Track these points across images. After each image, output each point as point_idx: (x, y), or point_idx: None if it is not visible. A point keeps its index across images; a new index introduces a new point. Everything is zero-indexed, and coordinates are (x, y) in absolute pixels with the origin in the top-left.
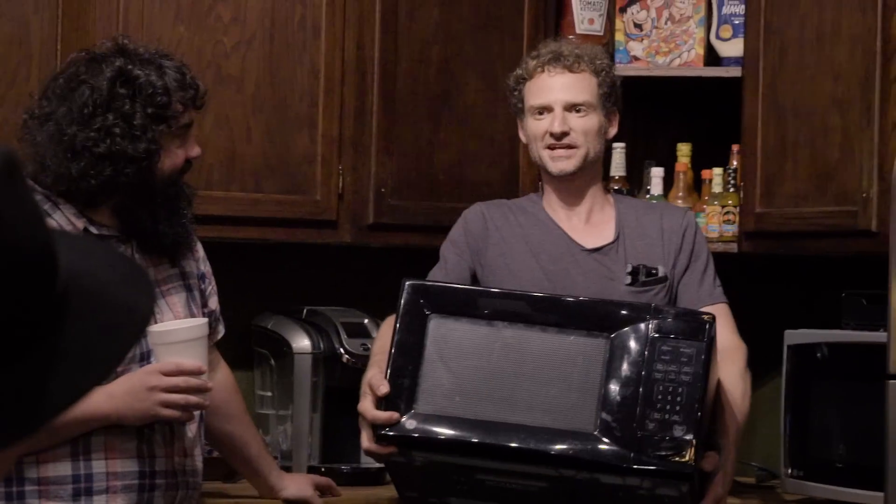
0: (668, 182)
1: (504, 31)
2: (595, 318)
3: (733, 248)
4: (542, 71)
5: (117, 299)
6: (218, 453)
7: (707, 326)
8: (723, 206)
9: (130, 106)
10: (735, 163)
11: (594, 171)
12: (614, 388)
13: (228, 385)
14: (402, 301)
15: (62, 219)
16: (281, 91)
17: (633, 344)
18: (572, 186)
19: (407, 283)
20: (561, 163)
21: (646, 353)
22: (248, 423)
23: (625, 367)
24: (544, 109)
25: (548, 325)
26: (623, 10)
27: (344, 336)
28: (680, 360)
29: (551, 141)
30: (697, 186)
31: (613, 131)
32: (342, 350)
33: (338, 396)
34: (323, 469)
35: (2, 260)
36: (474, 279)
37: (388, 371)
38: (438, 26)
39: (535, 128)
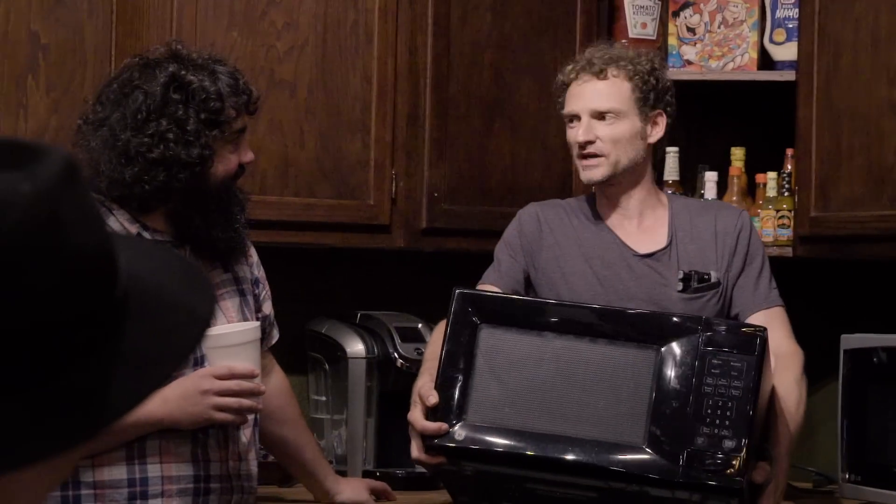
0: (722, 186)
1: (557, 35)
2: (646, 329)
3: (788, 252)
4: (576, 78)
5: (177, 302)
6: (273, 458)
7: (758, 340)
8: (777, 211)
9: (184, 111)
10: (789, 167)
11: (634, 176)
12: (664, 401)
13: (283, 390)
14: (452, 310)
15: (116, 224)
16: (334, 96)
17: (683, 356)
18: (613, 192)
19: (457, 291)
20: (588, 172)
21: (696, 366)
22: (303, 428)
23: (675, 379)
24: (573, 118)
25: (598, 336)
26: (676, 14)
27: (398, 340)
28: (730, 374)
29: (578, 150)
30: (752, 191)
31: (658, 134)
32: (396, 354)
33: (392, 401)
34: (378, 473)
35: (63, 264)
36: (528, 281)
37: (438, 381)
38: (491, 31)
39: (568, 136)
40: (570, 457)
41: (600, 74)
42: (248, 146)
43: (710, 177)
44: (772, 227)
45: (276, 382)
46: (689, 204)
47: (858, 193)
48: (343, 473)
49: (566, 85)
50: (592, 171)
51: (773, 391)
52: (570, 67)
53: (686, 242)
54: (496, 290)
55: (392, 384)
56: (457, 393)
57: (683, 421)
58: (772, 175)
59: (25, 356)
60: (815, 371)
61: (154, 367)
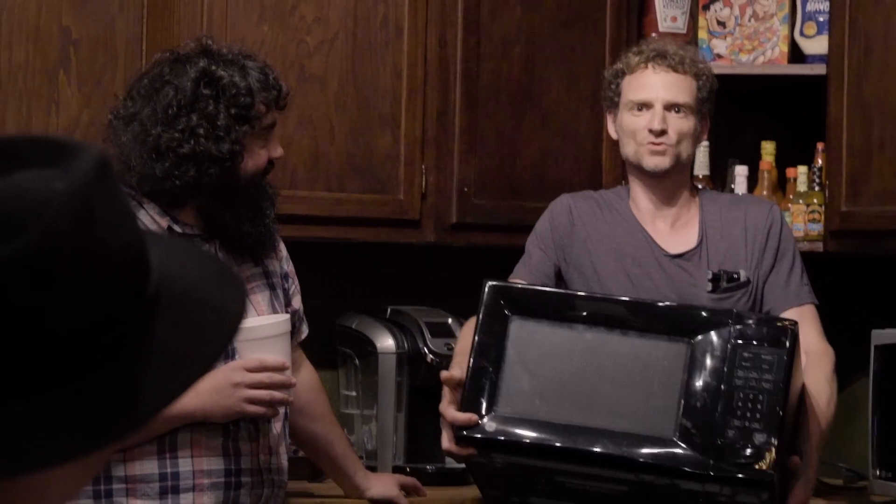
0: (753, 181)
1: (586, 29)
2: (677, 322)
3: (818, 247)
4: (646, 67)
5: (209, 300)
6: (303, 453)
7: (789, 333)
8: (808, 205)
9: (214, 107)
10: (820, 161)
11: (684, 174)
12: (695, 394)
13: (313, 385)
14: (483, 302)
15: (146, 218)
16: (364, 90)
17: (714, 350)
18: (663, 185)
19: (488, 284)
20: (657, 158)
21: (727, 359)
22: (332, 423)
23: (706, 373)
24: (644, 105)
25: (629, 329)
26: (706, 7)
27: (428, 336)
28: (761, 367)
29: (650, 138)
30: (782, 185)
31: (705, 135)
32: (426, 349)
33: (422, 396)
34: (408, 469)
35: (96, 261)
36: (559, 275)
37: (469, 372)
38: (521, 25)
39: (631, 123)
40: (599, 449)
41: (676, 68)
42: (278, 141)
43: (741, 171)
44: (802, 221)
45: (306, 377)
46: (720, 199)
47: (889, 188)
48: (373, 469)
49: (625, 73)
50: (660, 159)
51: (803, 388)
52: (636, 57)
53: (716, 240)
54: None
55: (422, 379)
56: (487, 384)
57: (714, 414)
58: (802, 169)
59: (58, 354)
60: (846, 366)
61: (186, 365)
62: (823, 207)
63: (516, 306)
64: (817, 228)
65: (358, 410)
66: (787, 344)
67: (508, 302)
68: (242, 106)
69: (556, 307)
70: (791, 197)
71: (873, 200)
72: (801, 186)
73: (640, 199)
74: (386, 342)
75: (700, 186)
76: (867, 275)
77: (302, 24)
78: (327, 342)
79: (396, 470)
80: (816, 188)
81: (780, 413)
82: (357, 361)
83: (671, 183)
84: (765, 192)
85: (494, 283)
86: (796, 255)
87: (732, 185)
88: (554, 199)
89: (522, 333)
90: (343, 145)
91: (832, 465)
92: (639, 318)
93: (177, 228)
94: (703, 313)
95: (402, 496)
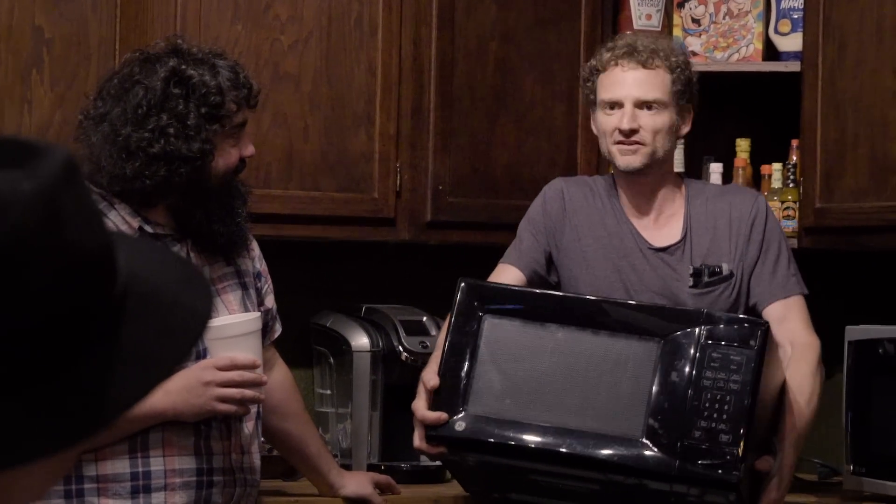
0: (728, 178)
1: (561, 27)
2: (648, 322)
3: (793, 243)
4: (616, 65)
5: (176, 301)
6: (277, 451)
7: (759, 333)
8: (782, 202)
9: (184, 106)
10: (794, 158)
11: (664, 169)
12: (663, 394)
13: (286, 383)
14: (457, 300)
15: (117, 218)
16: (338, 89)
17: (683, 350)
18: (641, 182)
19: (462, 282)
20: (627, 157)
21: (696, 359)
22: (306, 421)
23: (674, 373)
24: (615, 105)
25: (600, 328)
26: (681, 5)
27: (402, 334)
28: (729, 368)
29: (620, 137)
30: (757, 182)
31: (686, 129)
32: (401, 348)
33: (397, 394)
34: (383, 467)
35: (62, 261)
36: (549, 260)
37: (441, 370)
38: (495, 23)
39: (604, 123)
40: (568, 449)
41: (647, 63)
42: (251, 140)
43: (716, 168)
44: (777, 217)
45: (279, 376)
46: (706, 190)
47: (863, 184)
48: (348, 467)
49: (599, 71)
50: (632, 158)
51: (784, 384)
52: (607, 54)
53: (700, 234)
54: (515, 269)
55: (397, 377)
56: (459, 382)
57: (681, 414)
58: (777, 166)
59: (25, 354)
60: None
61: (154, 364)
62: (798, 204)
63: (489, 304)
64: (792, 225)
65: (333, 409)
66: (756, 344)
67: (481, 300)
68: (212, 105)
69: (528, 306)
70: (766, 194)
71: (847, 197)
72: (776, 183)
73: (623, 195)
74: (361, 340)
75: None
76: (841, 271)
77: (276, 24)
78: (302, 341)
79: (371, 468)
80: (791, 185)
81: (748, 413)
82: (332, 360)
83: (650, 179)
84: None
85: (468, 281)
86: (783, 245)
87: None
88: (528, 199)
89: (495, 332)
90: (317, 144)
91: (807, 460)
92: (611, 316)
93: (148, 228)
94: (675, 312)
95: (377, 494)
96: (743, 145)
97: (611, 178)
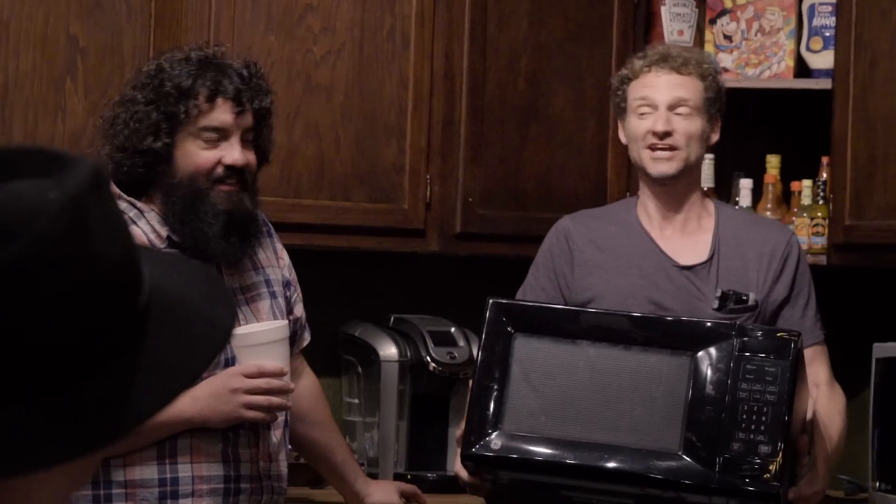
0: (757, 194)
1: (593, 42)
2: (680, 335)
3: (822, 260)
4: (649, 71)
5: (199, 313)
6: (304, 459)
7: (792, 344)
8: (812, 219)
9: (146, 102)
10: (824, 175)
11: (694, 177)
12: (699, 407)
13: (314, 392)
14: (486, 319)
15: (146, 226)
16: (370, 101)
17: (717, 363)
18: (671, 191)
19: (491, 301)
20: (662, 165)
21: (730, 371)
22: (333, 430)
23: (709, 386)
24: (648, 107)
25: (632, 344)
26: (713, 21)
27: (430, 344)
28: (765, 379)
29: (653, 140)
30: (786, 198)
31: (716, 138)
32: (429, 358)
33: (424, 404)
34: (409, 476)
35: (89, 272)
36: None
37: (473, 391)
38: (527, 37)
39: (636, 127)
40: (606, 464)
41: (680, 70)
42: (245, 147)
43: (745, 184)
44: (806, 234)
45: (307, 384)
46: (737, 216)
47: (893, 202)
48: (374, 476)
49: (630, 79)
50: (666, 164)
51: (815, 414)
52: (639, 62)
53: (728, 258)
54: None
55: (424, 388)
56: (492, 403)
57: (719, 427)
58: (807, 183)
59: (47, 362)
60: (848, 379)
61: (175, 375)
62: (827, 221)
63: (519, 323)
64: (821, 242)
65: (360, 418)
66: (791, 355)
67: (511, 319)
68: (173, 103)
69: (558, 323)
70: (795, 210)
71: (877, 214)
72: (806, 200)
73: (649, 205)
74: (389, 350)
75: (716, 201)
76: (870, 288)
77: (309, 35)
78: (331, 350)
79: (398, 477)
80: (821, 202)
81: (785, 424)
82: (360, 369)
83: (681, 188)
84: (769, 206)
85: (497, 300)
86: (812, 290)
87: (737, 199)
88: (557, 212)
89: (526, 350)
90: (348, 154)
91: (833, 476)
92: (642, 332)
93: (176, 238)
94: (707, 326)
95: (402, 503)
96: (773, 161)
97: (628, 201)
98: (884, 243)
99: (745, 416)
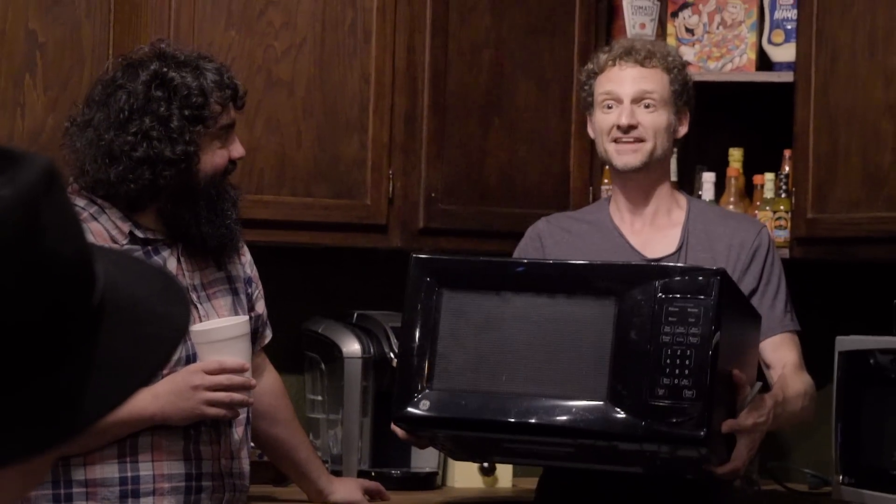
0: (720, 187)
1: (555, 35)
2: (603, 281)
3: (785, 253)
4: (614, 64)
5: (154, 311)
6: (267, 457)
7: (714, 283)
8: (774, 212)
9: (166, 108)
10: (787, 168)
11: (662, 169)
12: (623, 354)
13: (276, 389)
14: (410, 277)
15: (108, 223)
16: (331, 96)
17: (641, 307)
18: (638, 184)
19: (414, 256)
20: (626, 157)
21: (653, 315)
22: (296, 427)
23: (633, 331)
24: (613, 101)
25: (557, 292)
26: (675, 14)
27: (394, 340)
28: (687, 321)
29: (618, 134)
30: (749, 192)
31: (683, 131)
32: (392, 354)
33: (388, 400)
34: (373, 473)
35: (41, 270)
36: None
37: (401, 350)
38: (489, 31)
39: (602, 121)
40: (533, 420)
41: (644, 63)
42: (239, 141)
43: (708, 178)
44: (769, 228)
45: (269, 382)
46: (708, 211)
47: (855, 195)
48: (339, 473)
49: (596, 73)
50: (631, 157)
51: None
52: (604, 56)
53: (697, 250)
54: None
55: (388, 384)
56: (420, 360)
57: (643, 373)
58: (769, 176)
59: (0, 361)
60: (811, 373)
61: (130, 373)
62: (790, 214)
63: (444, 278)
64: (784, 235)
65: (324, 415)
66: (713, 293)
67: (435, 274)
68: (195, 106)
69: (483, 276)
70: (758, 204)
71: (839, 208)
72: (768, 193)
73: (619, 199)
74: (352, 347)
75: (688, 195)
76: (832, 282)
77: (269, 30)
78: (294, 346)
79: (362, 474)
80: (783, 195)
81: (710, 367)
82: (323, 366)
83: (648, 180)
84: (732, 199)
85: (420, 256)
86: (782, 281)
87: (700, 192)
88: (521, 207)
89: (452, 305)
90: (310, 150)
91: (797, 470)
92: (565, 280)
93: (138, 233)
94: (629, 268)
95: (366, 500)
96: (735, 155)
97: (601, 202)
98: (846, 236)
99: (668, 361)
